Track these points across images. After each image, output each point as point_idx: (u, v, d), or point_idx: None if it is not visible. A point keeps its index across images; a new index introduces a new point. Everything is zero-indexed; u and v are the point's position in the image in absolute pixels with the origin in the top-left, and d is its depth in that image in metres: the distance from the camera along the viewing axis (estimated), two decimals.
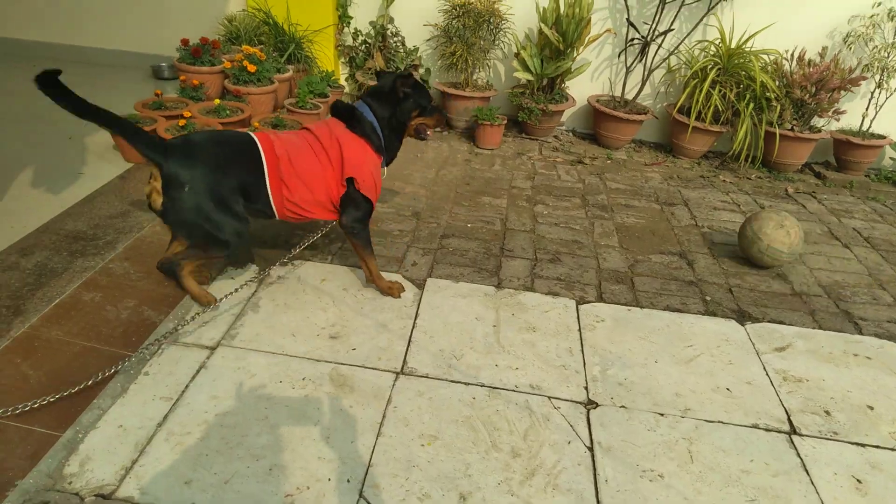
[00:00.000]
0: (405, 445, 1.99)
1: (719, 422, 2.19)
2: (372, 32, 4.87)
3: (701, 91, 4.40)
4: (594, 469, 1.96)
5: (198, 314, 2.41)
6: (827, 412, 2.28)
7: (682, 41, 4.67)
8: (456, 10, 4.60)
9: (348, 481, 1.85)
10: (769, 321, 2.79)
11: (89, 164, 3.56)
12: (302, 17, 4.84)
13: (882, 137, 4.59)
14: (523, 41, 4.73)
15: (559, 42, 4.45)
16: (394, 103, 2.55)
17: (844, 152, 4.61)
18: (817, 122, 4.66)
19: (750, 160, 4.60)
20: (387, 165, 2.67)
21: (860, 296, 3.07)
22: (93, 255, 2.69)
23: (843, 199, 4.30)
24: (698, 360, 2.50)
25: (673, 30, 4.64)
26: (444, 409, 2.14)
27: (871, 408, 2.32)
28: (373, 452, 1.95)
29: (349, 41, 5.04)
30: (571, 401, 2.23)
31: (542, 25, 4.48)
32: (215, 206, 2.23)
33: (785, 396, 2.33)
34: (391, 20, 4.86)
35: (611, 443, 2.07)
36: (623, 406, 2.22)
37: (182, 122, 3.46)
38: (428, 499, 1.82)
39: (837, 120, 4.65)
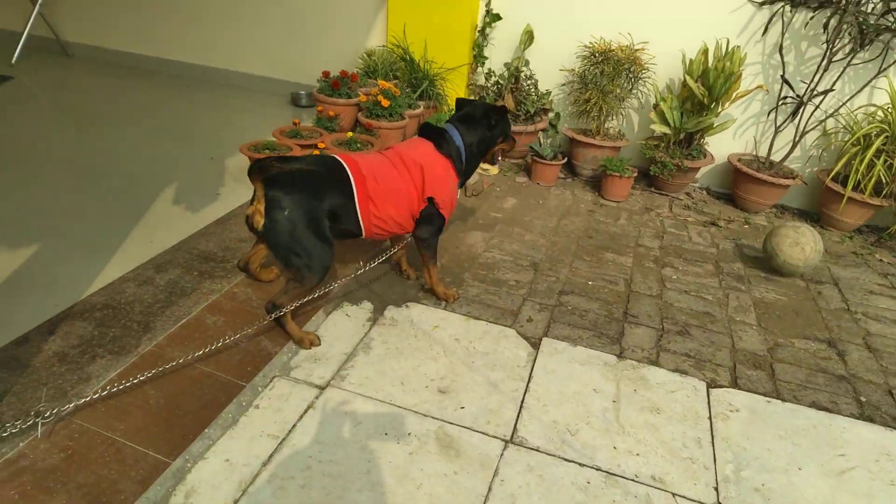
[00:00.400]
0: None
1: None
2: (505, 74, 4.84)
3: (862, 159, 3.98)
4: None
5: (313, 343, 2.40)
6: None
7: (843, 103, 4.27)
8: (595, 56, 4.47)
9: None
10: None
11: (226, 185, 3.73)
12: (438, 54, 4.91)
13: None
14: (663, 92, 4.52)
15: (704, 96, 4.20)
16: (482, 130, 2.76)
17: None
18: None
19: None
20: (461, 186, 2.83)
21: None
22: (220, 278, 2.77)
23: None
24: (852, 473, 2.17)
25: (834, 90, 4.25)
26: (554, 490, 1.97)
27: None
28: None
29: (481, 81, 5.04)
30: (699, 502, 1.99)
31: (687, 77, 4.25)
32: (309, 231, 2.32)
33: None
34: (526, 62, 4.82)
35: None
36: None
37: (316, 153, 3.55)
38: None
39: None
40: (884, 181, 4.00)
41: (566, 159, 4.70)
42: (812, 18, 4.17)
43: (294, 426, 2.10)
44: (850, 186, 4.04)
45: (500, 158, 2.97)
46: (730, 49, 4.22)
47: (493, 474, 2.01)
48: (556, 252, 3.55)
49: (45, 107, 4.82)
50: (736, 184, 4.51)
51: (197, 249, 2.97)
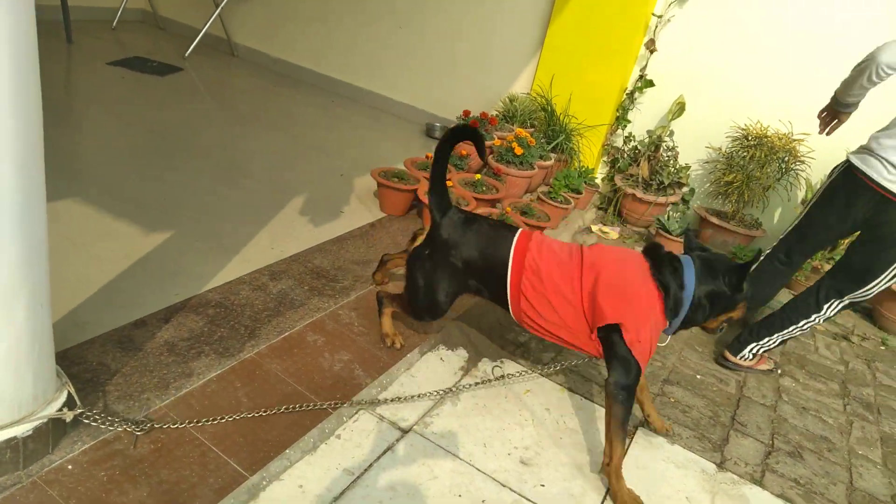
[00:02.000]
0: None
1: None
2: (646, 140, 4.71)
3: None
4: None
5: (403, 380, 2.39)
6: None
7: None
8: (747, 139, 4.25)
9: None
10: None
11: (350, 205, 3.85)
12: (580, 110, 4.87)
13: None
14: (816, 188, 4.21)
15: None
16: (722, 285, 2.15)
17: None
18: None
19: None
20: (667, 334, 2.25)
21: None
22: (328, 297, 2.83)
23: None
24: None
25: None
26: None
27: None
28: None
29: (618, 143, 4.94)
30: None
31: None
32: (430, 282, 2.33)
33: None
34: (671, 133, 4.66)
35: None
36: None
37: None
38: None
39: None
40: None
41: None
42: None
43: (371, 465, 2.08)
44: None
45: (723, 328, 2.37)
46: None
47: None
48: (672, 338, 3.35)
49: (204, 101, 5.24)
50: (877, 298, 4.09)
51: (312, 264, 3.07)
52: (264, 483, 1.91)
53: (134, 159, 3.77)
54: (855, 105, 3.01)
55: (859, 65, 2.77)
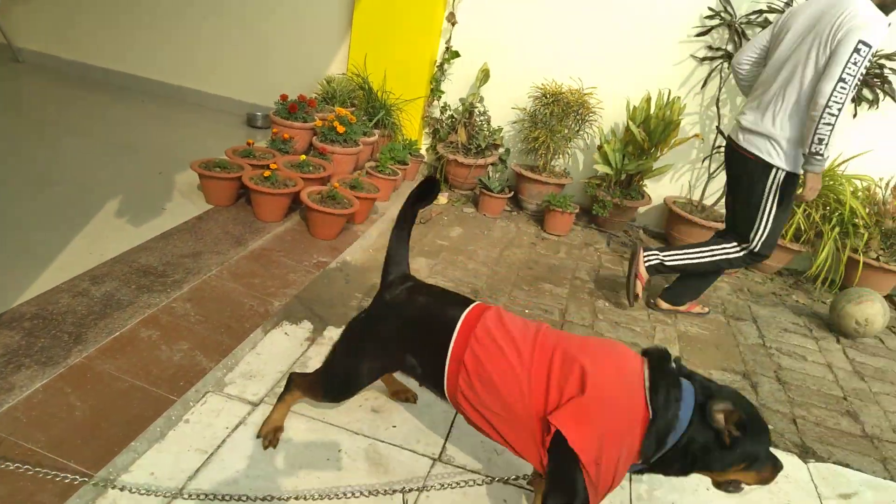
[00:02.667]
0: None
1: None
2: (460, 108, 5.01)
3: None
4: None
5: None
6: None
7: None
8: (546, 97, 4.69)
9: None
10: (834, 462, 2.58)
11: (173, 200, 3.73)
12: (396, 86, 5.04)
13: None
14: (608, 135, 4.75)
15: (644, 141, 4.45)
16: (712, 436, 1.57)
17: None
18: None
19: (828, 284, 4.38)
20: (637, 473, 1.70)
21: None
22: (158, 292, 2.77)
23: None
24: (752, 494, 2.31)
25: None
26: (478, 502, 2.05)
27: None
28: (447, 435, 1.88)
29: (436, 114, 5.20)
30: None
31: (630, 123, 4.50)
32: (367, 349, 1.96)
33: None
34: (481, 99, 5.00)
35: None
36: None
37: (267, 173, 3.61)
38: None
39: None
40: (803, 229, 4.28)
41: (513, 193, 4.87)
42: None
43: (224, 441, 2.12)
44: None
45: (739, 485, 1.71)
46: (671, 99, 4.49)
47: (419, 490, 2.07)
48: (497, 281, 3.67)
49: None
50: (669, 224, 4.75)
51: (137, 263, 2.97)
52: (112, 477, 1.89)
53: None
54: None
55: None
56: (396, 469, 2.14)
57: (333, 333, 2.84)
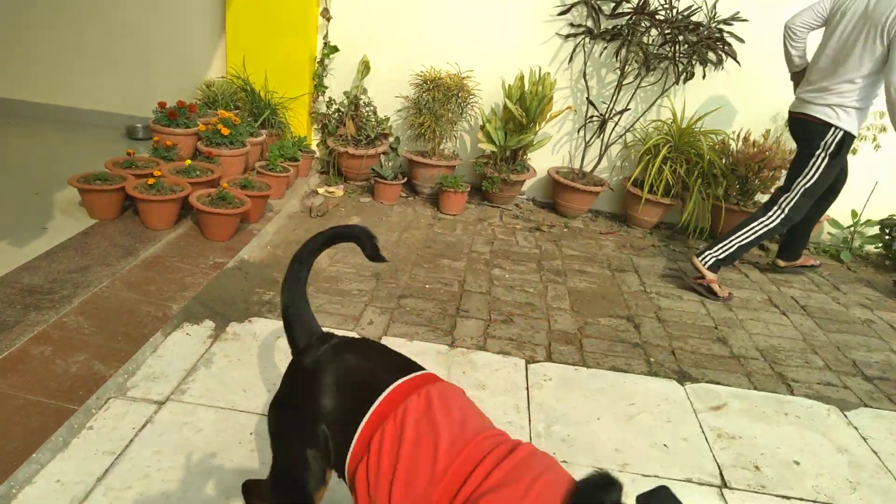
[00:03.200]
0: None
1: (655, 476, 2.25)
2: (345, 101, 5.09)
3: (653, 166, 4.65)
4: None
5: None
6: (756, 467, 2.36)
7: (636, 120, 4.97)
8: (426, 84, 4.85)
9: None
10: (707, 382, 2.90)
11: (55, 219, 3.61)
12: (279, 85, 5.05)
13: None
14: (489, 115, 4.98)
15: (522, 117, 4.70)
16: None
17: None
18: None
19: (698, 232, 4.82)
20: None
21: (794, 359, 3.21)
22: (47, 309, 2.71)
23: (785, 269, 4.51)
24: (638, 418, 2.58)
25: (629, 109, 4.94)
26: None
27: (798, 463, 2.41)
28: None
29: (323, 109, 5.25)
30: None
31: (507, 101, 4.74)
32: (309, 433, 1.46)
33: (718, 452, 2.41)
34: (364, 91, 5.10)
35: None
36: (564, 461, 2.28)
37: (151, 181, 3.56)
38: None
39: None
40: (671, 183, 4.69)
41: (406, 179, 5.01)
42: (606, 49, 4.84)
43: (132, 441, 2.14)
44: (645, 189, 4.70)
45: None
46: (542, 75, 4.77)
47: None
48: (398, 262, 3.81)
49: None
50: (555, 193, 5.06)
51: (20, 283, 2.88)
52: (14, 491, 1.88)
53: None
54: (801, 66, 3.85)
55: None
56: None
57: (237, 328, 2.88)
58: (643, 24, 4.59)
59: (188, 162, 3.91)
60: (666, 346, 3.20)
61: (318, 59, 5.13)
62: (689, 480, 2.25)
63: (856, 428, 2.68)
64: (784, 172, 4.65)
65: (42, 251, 3.21)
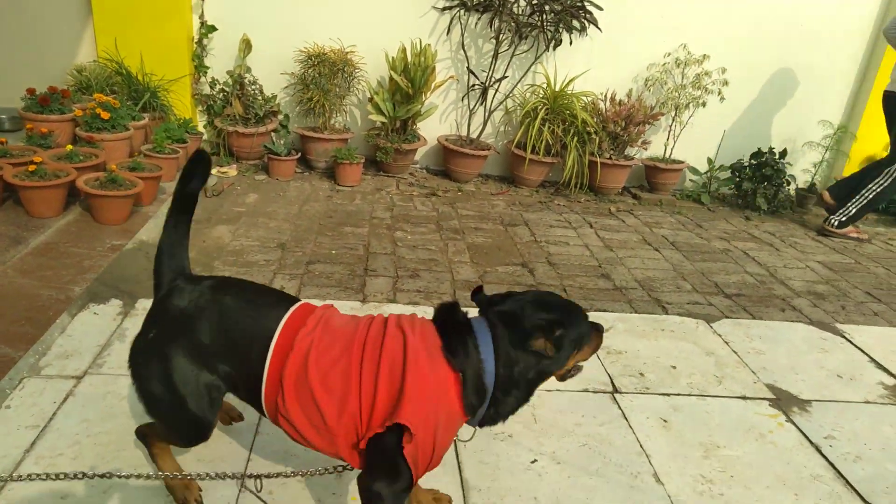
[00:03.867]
0: (282, 440, 2.14)
1: (557, 390, 2.56)
2: (229, 81, 5.03)
3: (533, 128, 5.00)
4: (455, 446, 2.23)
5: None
6: (641, 374, 2.73)
7: (514, 86, 5.30)
8: (311, 59, 4.90)
9: (233, 476, 1.97)
10: (596, 310, 3.27)
11: None
12: (157, 67, 4.91)
13: (681, 162, 5.45)
14: (376, 87, 5.11)
15: (408, 87, 4.89)
16: (534, 354, 1.52)
17: (653, 176, 5.43)
18: (631, 151, 5.43)
19: (579, 186, 5.25)
20: (480, 426, 1.63)
21: (666, 286, 3.67)
22: None
23: (655, 213, 5.05)
24: None
25: (507, 77, 5.25)
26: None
27: (674, 367, 2.81)
28: (252, 446, 2.09)
29: (206, 90, 5.16)
30: None
31: (392, 73, 4.90)
32: (185, 374, 1.57)
33: (609, 366, 2.76)
34: (248, 69, 5.06)
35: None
36: None
37: (32, 168, 3.41)
38: (294, 458, 1.98)
39: (645, 149, 5.47)
40: (550, 143, 5.07)
41: (300, 155, 5.06)
42: (480, 20, 5.12)
43: (55, 413, 2.14)
44: (528, 150, 5.05)
45: (573, 373, 1.70)
46: (423, 47, 4.97)
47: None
48: (301, 233, 3.89)
49: None
50: (447, 160, 5.31)
51: None
52: None
53: None
54: None
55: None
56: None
57: (147, 304, 2.87)
58: None
59: (69, 147, 3.77)
60: (558, 284, 3.54)
61: (195, 40, 5.03)
62: (586, 390, 2.57)
63: (719, 335, 3.13)
64: (648, 127, 5.19)
65: None
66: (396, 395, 1.45)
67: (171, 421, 1.68)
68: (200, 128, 5.23)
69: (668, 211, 5.16)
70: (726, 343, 3.06)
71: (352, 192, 4.79)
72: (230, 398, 1.84)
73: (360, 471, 1.56)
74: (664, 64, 5.31)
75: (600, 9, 5.06)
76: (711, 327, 3.20)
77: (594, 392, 2.57)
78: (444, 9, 5.11)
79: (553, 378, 1.64)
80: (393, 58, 4.96)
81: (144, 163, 3.97)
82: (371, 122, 5.21)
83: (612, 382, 2.65)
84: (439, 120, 5.48)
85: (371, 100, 5.03)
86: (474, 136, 5.35)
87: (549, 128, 5.05)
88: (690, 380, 2.73)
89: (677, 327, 3.17)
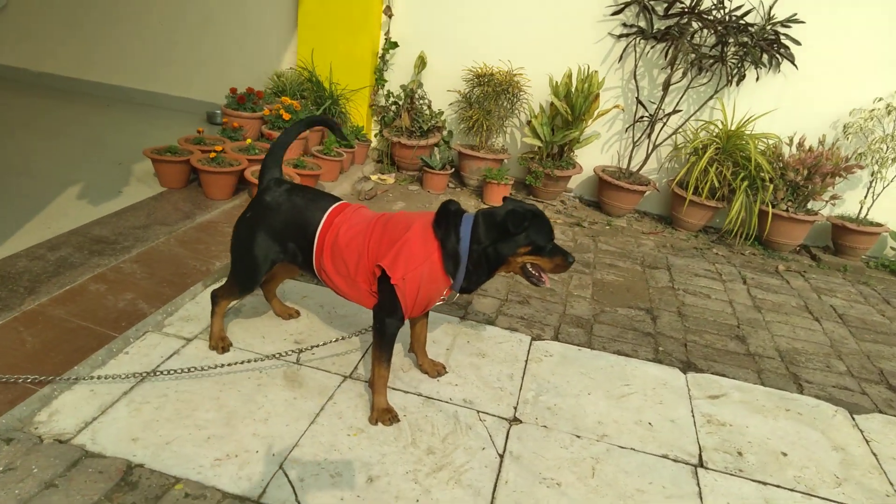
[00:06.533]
0: (333, 433, 2.22)
1: (632, 448, 2.32)
2: (402, 95, 5.35)
3: (698, 167, 4.62)
4: (499, 472, 2.13)
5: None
6: (739, 453, 2.37)
7: (685, 121, 4.94)
8: (478, 79, 5.04)
9: (273, 455, 2.09)
10: (713, 373, 2.91)
11: (130, 185, 4.06)
12: (343, 77, 5.39)
13: (879, 225, 4.64)
14: (538, 111, 5.10)
15: (567, 113, 4.80)
16: (501, 234, 2.15)
17: (841, 237, 4.69)
18: (816, 205, 4.77)
19: (744, 236, 4.72)
20: (459, 292, 2.32)
21: (814, 363, 3.14)
22: (109, 256, 3.09)
23: (832, 280, 4.35)
24: (630, 397, 2.64)
25: (680, 111, 4.92)
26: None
27: (785, 454, 2.39)
28: (302, 435, 2.19)
29: (382, 101, 5.54)
30: (498, 416, 2.42)
31: (553, 97, 4.85)
32: (257, 241, 2.38)
33: (703, 435, 2.44)
34: (420, 85, 5.35)
35: (522, 453, 2.23)
36: (544, 426, 2.39)
37: (213, 155, 3.94)
38: (339, 476, 2.03)
39: (834, 205, 4.76)
40: (716, 186, 4.64)
41: (454, 170, 5.20)
42: (657, 49, 4.86)
43: (159, 366, 2.44)
44: (690, 191, 4.67)
45: (543, 279, 2.25)
46: (590, 73, 4.85)
47: (327, 399, 2.39)
48: None
49: None
50: (601, 191, 5.10)
51: (91, 234, 3.29)
52: (56, 393, 2.20)
53: None
54: None
55: None
56: (309, 384, 2.46)
57: (259, 297, 3.15)
58: (695, 25, 4.58)
59: (248, 141, 4.28)
60: (679, 338, 3.22)
61: (379, 55, 5.43)
62: (665, 456, 2.30)
63: (861, 430, 2.62)
64: (840, 180, 4.53)
65: (114, 210, 3.63)
66: (389, 253, 2.18)
67: (239, 269, 2.47)
68: (372, 136, 5.62)
69: (851, 279, 4.43)
70: (866, 441, 2.54)
71: None
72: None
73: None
74: (873, 110, 4.58)
75: (798, 43, 4.53)
76: (853, 419, 2.68)
77: (674, 460, 2.29)
78: (620, 36, 4.94)
79: (515, 275, 2.52)
80: (556, 82, 4.91)
81: (308, 162, 4.36)
82: (529, 146, 5.20)
83: (701, 454, 2.34)
84: (601, 150, 5.29)
85: (529, 123, 5.02)
86: (634, 169, 5.08)
87: (717, 168, 4.62)
88: (800, 473, 2.31)
89: (808, 411, 2.70)
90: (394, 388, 2.49)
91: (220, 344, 2.59)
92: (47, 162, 4.27)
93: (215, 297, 2.60)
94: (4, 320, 2.48)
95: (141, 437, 2.08)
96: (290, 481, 1.99)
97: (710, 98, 4.83)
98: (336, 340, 2.59)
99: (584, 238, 4.52)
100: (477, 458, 2.18)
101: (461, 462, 2.15)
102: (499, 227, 2.15)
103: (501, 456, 2.21)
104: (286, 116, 4.63)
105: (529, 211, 2.19)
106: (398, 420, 2.33)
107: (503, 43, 5.12)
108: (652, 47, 4.87)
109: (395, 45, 5.33)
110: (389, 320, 2.23)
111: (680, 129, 4.96)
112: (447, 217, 2.20)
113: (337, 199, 2.44)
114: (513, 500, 2.01)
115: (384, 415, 2.31)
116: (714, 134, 4.77)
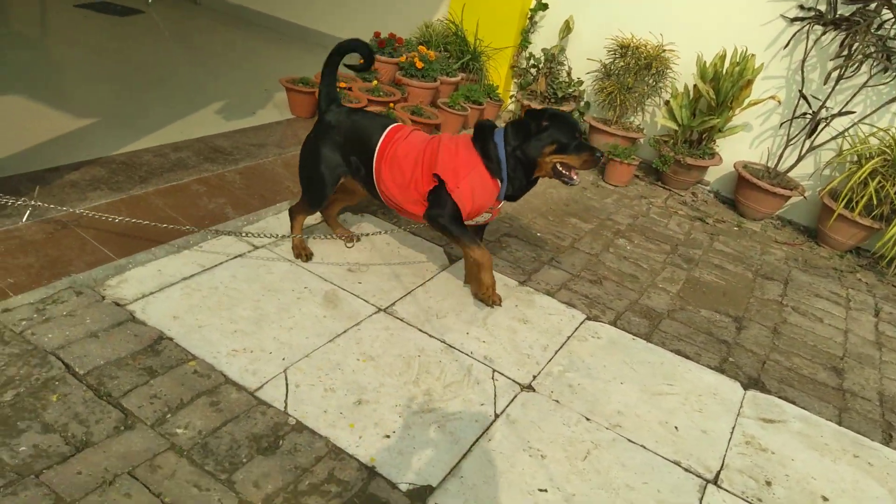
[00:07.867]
0: (344, 354, 2.30)
1: (642, 446, 2.14)
2: (542, 58, 5.21)
3: (856, 177, 3.99)
4: (487, 429, 2.08)
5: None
6: (768, 482, 2.09)
7: (855, 123, 4.27)
8: (622, 49, 4.75)
9: (283, 359, 2.22)
10: (780, 397, 2.56)
11: (265, 109, 4.43)
12: (488, 35, 5.36)
13: None
14: (681, 91, 4.70)
15: (711, 98, 4.37)
16: (525, 136, 2.45)
17: None
18: None
19: None
20: (506, 199, 2.62)
21: None
22: (219, 164, 3.42)
23: None
24: (667, 397, 2.42)
25: (853, 112, 4.25)
26: (397, 344, 2.41)
27: (826, 499, 2.06)
28: (316, 350, 2.30)
29: (523, 63, 5.45)
30: (512, 380, 2.35)
31: (698, 79, 4.44)
32: (323, 157, 2.66)
33: (733, 454, 2.18)
34: (562, 50, 5.16)
35: (519, 418, 2.16)
36: (557, 401, 2.28)
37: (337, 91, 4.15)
38: (331, 392, 2.12)
39: None
40: (874, 202, 3.98)
41: None
42: (833, 38, 4.22)
43: (221, 263, 2.68)
44: (841, 202, 4.05)
45: (574, 176, 2.53)
46: (745, 57, 4.35)
47: (354, 324, 2.47)
48: (524, 209, 3.89)
49: (160, 36, 5.80)
50: (738, 189, 4.61)
51: (213, 144, 3.66)
52: (130, 266, 2.52)
53: (84, 73, 4.36)
54: None
55: None
56: (344, 308, 2.56)
57: (347, 217, 3.30)
58: (885, 13, 3.90)
59: (375, 83, 4.44)
60: (760, 354, 2.86)
61: (528, 16, 5.31)
62: (677, 463, 2.10)
63: None
64: None
65: (241, 127, 4.00)
66: (441, 164, 2.49)
67: (310, 184, 2.75)
68: (507, 99, 5.55)
69: None
70: None
71: (611, 192, 4.55)
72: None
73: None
74: None
75: None
76: None
77: (685, 469, 2.08)
78: (794, 19, 4.35)
79: (551, 179, 2.60)
80: (705, 62, 4.47)
81: (427, 111, 4.44)
82: (666, 128, 4.83)
83: (720, 472, 2.09)
84: (749, 144, 4.76)
85: (667, 103, 4.65)
86: (783, 170, 4.52)
87: (880, 183, 3.96)
88: None
89: (883, 464, 2.29)
90: (420, 330, 2.52)
91: (303, 252, 2.84)
92: (207, 82, 4.78)
93: (292, 213, 2.87)
94: (113, 199, 2.86)
95: (181, 316, 2.32)
96: (286, 384, 2.11)
97: (892, 100, 4.12)
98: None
99: (700, 234, 4.13)
100: (471, 411, 2.15)
101: (453, 410, 2.14)
102: (523, 128, 2.45)
103: (497, 416, 2.15)
104: (419, 65, 4.72)
105: (548, 110, 2.49)
106: (499, 303, 2.76)
107: (656, 13, 4.75)
108: (832, 37, 4.23)
109: (546, 6, 5.18)
110: (438, 212, 2.52)
111: (847, 132, 4.30)
112: (483, 132, 2.52)
113: (393, 120, 2.71)
114: (488, 458, 1.96)
115: (487, 291, 2.72)
116: (886, 143, 4.08)
